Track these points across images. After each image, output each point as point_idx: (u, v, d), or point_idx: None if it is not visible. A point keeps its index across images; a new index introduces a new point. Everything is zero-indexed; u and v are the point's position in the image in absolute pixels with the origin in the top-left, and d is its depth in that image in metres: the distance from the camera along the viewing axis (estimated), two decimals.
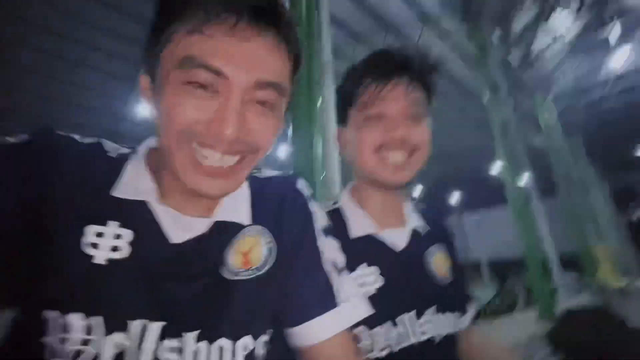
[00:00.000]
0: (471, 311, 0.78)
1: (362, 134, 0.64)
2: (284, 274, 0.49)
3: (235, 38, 0.34)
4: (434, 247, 0.72)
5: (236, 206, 0.49)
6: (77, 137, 0.45)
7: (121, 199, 0.42)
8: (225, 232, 0.47)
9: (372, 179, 0.66)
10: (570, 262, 7.21)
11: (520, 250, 5.46)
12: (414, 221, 0.72)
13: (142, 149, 0.49)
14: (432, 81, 0.67)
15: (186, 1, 0.35)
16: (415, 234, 0.70)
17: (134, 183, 0.43)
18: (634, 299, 3.90)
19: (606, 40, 7.92)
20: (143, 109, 8.83)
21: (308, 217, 0.54)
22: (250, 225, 0.49)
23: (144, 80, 0.43)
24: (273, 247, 0.49)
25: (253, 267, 0.47)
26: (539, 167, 9.39)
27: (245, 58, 0.34)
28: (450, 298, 0.70)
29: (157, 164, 0.46)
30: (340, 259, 0.54)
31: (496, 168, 9.23)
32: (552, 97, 9.72)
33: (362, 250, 0.63)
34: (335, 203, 0.72)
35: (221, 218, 0.47)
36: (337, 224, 0.63)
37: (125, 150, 0.48)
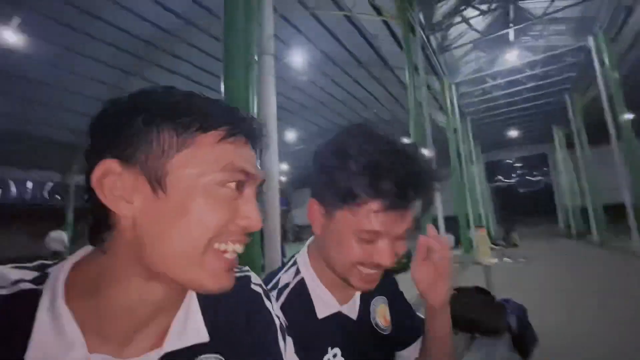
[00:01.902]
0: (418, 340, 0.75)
1: (349, 245, 0.56)
2: None
3: (248, 148, 0.40)
4: (376, 300, 0.71)
5: (188, 325, 0.41)
6: None
7: None
8: None
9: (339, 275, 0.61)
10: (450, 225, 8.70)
11: None
12: None
13: (59, 278, 0.35)
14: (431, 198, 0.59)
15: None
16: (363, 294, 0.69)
17: (56, 342, 0.32)
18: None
19: (506, 38, 9.21)
20: None
21: (268, 321, 0.50)
22: (207, 343, 0.42)
23: None
24: None
25: None
26: (438, 141, 10.80)
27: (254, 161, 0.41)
28: (398, 341, 0.73)
29: (84, 292, 0.35)
30: None
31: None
32: (455, 82, 11.09)
33: (327, 330, 0.61)
34: (294, 264, 0.67)
35: (173, 347, 0.38)
36: (303, 304, 0.62)
37: (27, 286, 0.34)
